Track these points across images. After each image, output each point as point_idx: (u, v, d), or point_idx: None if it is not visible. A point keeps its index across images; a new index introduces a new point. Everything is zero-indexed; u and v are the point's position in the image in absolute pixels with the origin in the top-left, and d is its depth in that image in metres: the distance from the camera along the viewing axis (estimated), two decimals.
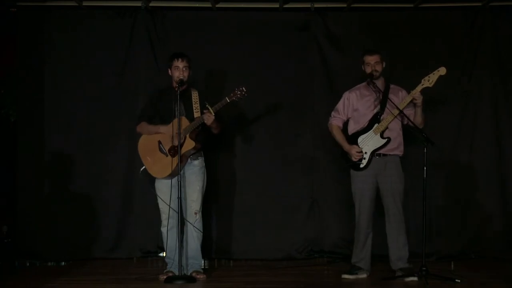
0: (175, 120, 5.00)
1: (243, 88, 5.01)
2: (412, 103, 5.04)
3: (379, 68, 5.15)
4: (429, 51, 6.11)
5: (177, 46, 5.73)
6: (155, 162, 5.12)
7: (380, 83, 5.20)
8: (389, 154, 5.14)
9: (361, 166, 5.15)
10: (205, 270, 5.32)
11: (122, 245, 6.17)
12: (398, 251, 5.10)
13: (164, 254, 5.42)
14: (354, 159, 5.16)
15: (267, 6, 6.26)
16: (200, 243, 5.20)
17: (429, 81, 5.01)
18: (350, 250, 5.43)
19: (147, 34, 6.19)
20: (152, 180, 5.25)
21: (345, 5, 6.19)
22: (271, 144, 6.21)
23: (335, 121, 5.34)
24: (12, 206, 6.13)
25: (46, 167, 6.13)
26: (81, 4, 6.14)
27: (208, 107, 5.00)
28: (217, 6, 6.21)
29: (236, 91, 5.01)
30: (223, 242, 6.14)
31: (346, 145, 5.22)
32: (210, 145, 5.38)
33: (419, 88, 5.01)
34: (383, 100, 5.14)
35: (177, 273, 4.97)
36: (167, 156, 5.06)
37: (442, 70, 5.01)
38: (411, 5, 6.17)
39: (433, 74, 5.01)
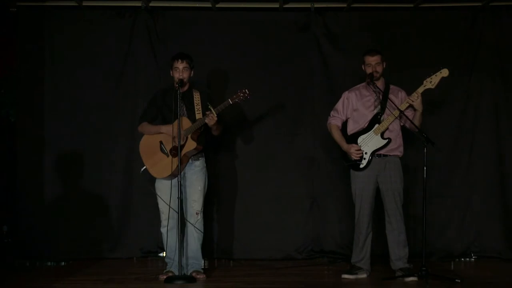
0: (176, 121, 4.99)
1: (246, 90, 4.98)
2: (410, 105, 5.04)
3: (379, 69, 5.14)
4: (429, 51, 6.11)
5: (177, 46, 5.73)
6: (156, 162, 5.11)
7: (380, 83, 5.19)
8: (389, 155, 5.13)
9: (361, 166, 5.15)
10: (205, 270, 5.31)
11: (122, 245, 6.17)
12: (398, 251, 5.10)
13: (164, 254, 5.42)
14: (353, 158, 5.15)
15: (267, 6, 6.26)
16: (201, 244, 5.20)
17: (431, 82, 5.00)
18: (350, 250, 5.42)
19: (147, 34, 6.19)
20: (152, 180, 5.25)
21: (345, 5, 6.18)
22: (271, 144, 6.21)
23: (334, 121, 5.33)
24: (12, 206, 6.13)
25: (46, 167, 6.12)
26: (81, 4, 6.14)
27: (211, 108, 4.99)
28: (217, 6, 6.21)
29: (239, 93, 4.99)
30: (223, 242, 6.14)
31: (344, 145, 5.21)
32: (211, 145, 5.37)
33: (421, 89, 5.01)
34: (384, 101, 5.14)
35: (177, 273, 4.96)
36: (168, 156, 5.06)
37: (445, 72, 5.00)
38: (411, 5, 6.16)
39: (435, 75, 5.00)
